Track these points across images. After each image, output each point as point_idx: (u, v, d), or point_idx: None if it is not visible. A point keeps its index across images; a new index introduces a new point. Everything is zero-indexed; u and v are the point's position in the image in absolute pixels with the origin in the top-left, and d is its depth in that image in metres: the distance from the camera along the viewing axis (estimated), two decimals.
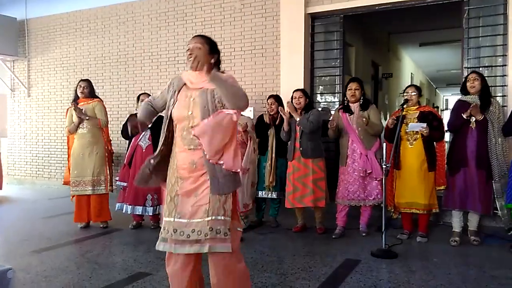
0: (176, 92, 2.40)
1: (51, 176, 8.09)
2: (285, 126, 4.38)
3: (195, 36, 2.45)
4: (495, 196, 3.97)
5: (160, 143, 2.47)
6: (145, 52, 7.18)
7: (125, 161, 4.73)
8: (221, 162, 2.29)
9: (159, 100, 2.58)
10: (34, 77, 8.35)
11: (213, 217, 2.24)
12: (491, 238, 4.17)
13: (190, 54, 2.37)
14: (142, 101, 4.65)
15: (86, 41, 7.73)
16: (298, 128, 4.39)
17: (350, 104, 4.32)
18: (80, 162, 4.70)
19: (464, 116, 3.93)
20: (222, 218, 2.25)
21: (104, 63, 7.57)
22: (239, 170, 2.35)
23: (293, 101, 4.42)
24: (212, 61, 2.39)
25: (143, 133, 4.64)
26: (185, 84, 2.41)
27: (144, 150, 4.64)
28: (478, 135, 3.94)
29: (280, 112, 4.47)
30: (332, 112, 5.82)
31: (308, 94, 4.66)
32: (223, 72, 2.43)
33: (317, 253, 3.79)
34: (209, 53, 2.39)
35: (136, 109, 4.77)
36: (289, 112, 4.37)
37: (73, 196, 4.83)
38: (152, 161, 2.47)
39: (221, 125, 2.27)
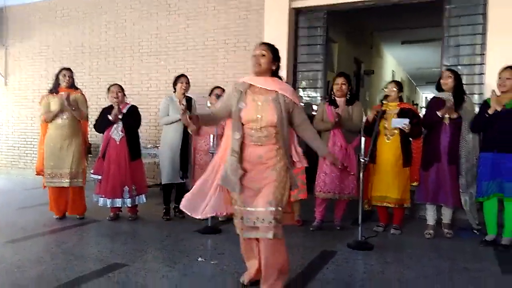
0: (244, 96, 2.64)
1: (27, 167, 7.93)
2: None
3: (262, 43, 2.74)
4: (461, 190, 4.05)
5: (236, 146, 2.62)
6: (127, 43, 7.09)
7: (100, 153, 4.66)
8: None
9: (222, 109, 2.76)
10: (12, 65, 8.17)
11: (276, 208, 2.53)
12: (464, 231, 4.26)
13: (256, 61, 2.64)
14: (113, 92, 4.59)
15: (66, 30, 7.59)
16: None
17: (336, 98, 4.33)
18: (58, 153, 4.59)
19: (439, 114, 3.99)
20: (281, 209, 2.57)
21: (84, 53, 7.45)
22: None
23: None
24: (273, 68, 2.68)
25: (115, 125, 4.58)
26: (249, 87, 2.66)
27: (118, 143, 4.57)
28: (451, 131, 4.01)
29: None
30: (314, 107, 5.85)
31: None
32: (281, 78, 2.74)
33: (294, 245, 3.80)
34: (272, 61, 2.67)
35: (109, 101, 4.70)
36: None
37: (45, 186, 4.75)
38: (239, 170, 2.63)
39: None
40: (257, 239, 2.66)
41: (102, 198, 4.58)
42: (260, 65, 2.65)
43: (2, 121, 8.26)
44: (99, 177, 4.60)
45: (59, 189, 4.63)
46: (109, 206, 4.59)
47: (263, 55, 2.64)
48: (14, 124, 8.14)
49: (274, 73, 2.72)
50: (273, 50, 2.70)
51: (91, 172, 4.72)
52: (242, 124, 2.63)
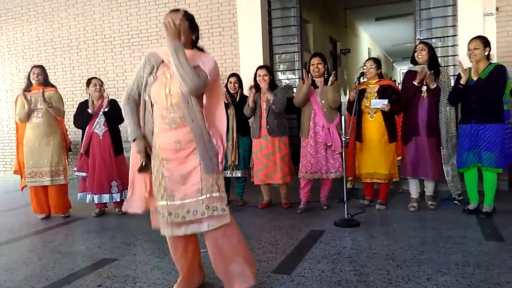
0: (155, 70, 2.27)
1: (6, 169, 7.75)
2: (250, 102, 4.38)
3: (172, 10, 2.29)
4: (443, 162, 4.14)
5: (144, 126, 2.33)
6: (98, 35, 6.92)
7: (82, 150, 4.57)
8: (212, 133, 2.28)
9: (136, 87, 2.34)
10: None
11: (208, 195, 2.22)
12: (447, 201, 4.37)
13: (168, 25, 2.16)
14: (95, 85, 4.52)
15: (34, 25, 7.36)
16: (264, 106, 4.40)
17: (315, 79, 4.32)
18: (36, 152, 4.52)
19: (415, 82, 4.02)
20: (217, 194, 2.24)
21: (54, 48, 7.25)
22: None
23: (257, 78, 4.41)
24: (193, 37, 2.31)
25: (97, 119, 4.50)
26: (163, 61, 2.28)
27: (101, 138, 4.50)
28: (428, 104, 4.05)
29: (249, 90, 4.44)
30: (294, 90, 5.85)
31: (271, 71, 4.66)
32: (202, 50, 2.35)
33: (283, 227, 3.85)
34: (190, 30, 2.28)
35: (88, 95, 4.60)
36: (254, 89, 4.39)
37: (23, 187, 4.68)
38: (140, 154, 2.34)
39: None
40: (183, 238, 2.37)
41: (89, 195, 4.52)
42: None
43: None
44: (84, 174, 4.53)
45: (41, 188, 4.56)
46: (96, 202, 4.53)
47: (178, 23, 2.19)
48: None
49: (195, 44, 2.34)
50: (188, 18, 2.27)
51: (75, 170, 4.65)
52: (152, 104, 2.27)
